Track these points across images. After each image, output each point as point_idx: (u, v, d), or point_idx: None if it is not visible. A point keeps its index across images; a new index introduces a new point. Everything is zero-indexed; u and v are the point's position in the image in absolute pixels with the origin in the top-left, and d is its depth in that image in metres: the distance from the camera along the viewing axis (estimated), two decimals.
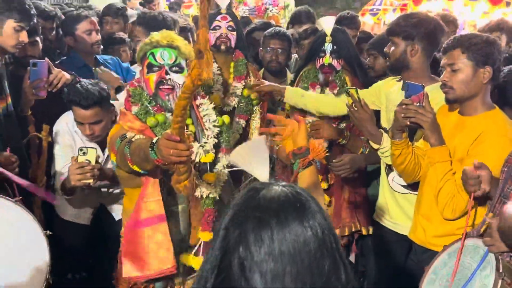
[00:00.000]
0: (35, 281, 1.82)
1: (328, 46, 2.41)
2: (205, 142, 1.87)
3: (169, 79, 1.75)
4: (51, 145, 2.34)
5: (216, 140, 1.89)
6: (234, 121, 2.55)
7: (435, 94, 1.97)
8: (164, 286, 1.91)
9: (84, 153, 2.02)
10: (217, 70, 2.53)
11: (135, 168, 1.61)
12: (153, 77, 1.77)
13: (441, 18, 2.59)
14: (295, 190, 0.93)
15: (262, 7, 7.44)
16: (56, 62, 2.62)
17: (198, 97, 1.93)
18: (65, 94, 2.22)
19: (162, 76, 1.76)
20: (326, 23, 2.49)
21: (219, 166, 1.91)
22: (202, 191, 1.84)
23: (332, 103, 2.43)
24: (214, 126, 1.89)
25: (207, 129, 1.89)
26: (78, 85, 2.19)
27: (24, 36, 2.29)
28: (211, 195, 1.87)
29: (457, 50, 1.84)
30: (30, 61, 2.33)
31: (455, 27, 3.66)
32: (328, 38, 2.41)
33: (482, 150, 1.80)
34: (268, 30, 3.09)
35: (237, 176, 2.11)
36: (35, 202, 2.31)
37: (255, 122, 2.64)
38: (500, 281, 1.54)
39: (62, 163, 2.26)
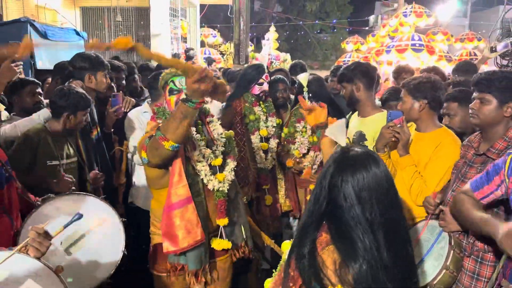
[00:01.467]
0: (116, 257, 2.19)
1: (305, 94, 3.14)
2: (215, 150, 2.32)
3: None
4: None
5: (223, 149, 2.37)
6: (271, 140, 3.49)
7: (378, 121, 2.67)
8: (196, 267, 2.21)
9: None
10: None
11: (169, 144, 1.90)
12: (174, 98, 2.21)
13: (400, 68, 3.98)
14: (366, 149, 1.43)
15: (269, 61, 9.88)
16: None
17: (208, 116, 2.41)
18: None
19: (180, 97, 2.12)
20: (302, 79, 3.29)
21: (227, 168, 2.35)
22: (214, 185, 2.27)
23: None
24: (221, 137, 2.38)
25: (215, 140, 2.37)
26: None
27: (109, 80, 3.26)
28: (221, 189, 2.29)
29: (404, 91, 2.46)
30: (112, 94, 3.32)
31: (411, 74, 4.43)
32: (305, 89, 3.21)
33: (441, 156, 2.33)
34: (274, 77, 3.82)
35: (237, 176, 2.69)
36: (117, 199, 3.14)
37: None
38: (452, 252, 1.97)
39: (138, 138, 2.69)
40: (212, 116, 2.43)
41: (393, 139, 2.35)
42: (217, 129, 2.37)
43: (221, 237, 2.28)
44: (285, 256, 1.60)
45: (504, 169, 1.79)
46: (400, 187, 2.32)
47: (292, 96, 3.93)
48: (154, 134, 1.94)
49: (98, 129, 3.22)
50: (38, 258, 1.64)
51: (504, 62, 4.24)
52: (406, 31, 8.78)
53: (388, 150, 2.42)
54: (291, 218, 3.81)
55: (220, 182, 2.26)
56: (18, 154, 2.55)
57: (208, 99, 3.11)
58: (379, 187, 1.37)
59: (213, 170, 2.27)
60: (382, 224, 1.35)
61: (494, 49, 3.79)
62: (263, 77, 3.46)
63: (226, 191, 2.28)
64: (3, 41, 5.48)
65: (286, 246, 1.78)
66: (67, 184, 2.52)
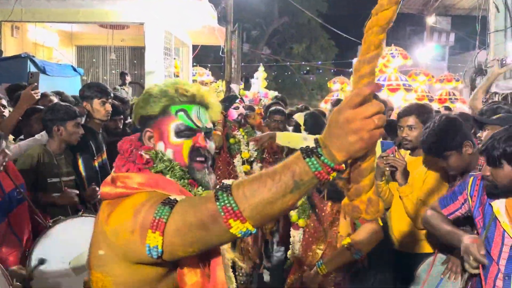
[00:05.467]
0: None
1: (304, 132, 3.40)
2: (241, 158, 2.73)
3: (206, 149, 1.29)
4: None
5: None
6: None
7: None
8: None
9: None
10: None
11: (241, 228, 0.97)
12: (188, 143, 1.27)
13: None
14: None
15: (258, 98, 10.27)
16: None
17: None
18: None
19: (199, 143, 1.27)
20: (298, 117, 3.61)
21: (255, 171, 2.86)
22: None
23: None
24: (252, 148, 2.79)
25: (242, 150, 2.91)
26: None
27: (108, 107, 3.19)
28: None
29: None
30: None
31: (391, 110, 5.11)
32: (303, 127, 3.48)
33: (430, 173, 2.55)
34: (272, 108, 4.35)
35: None
36: None
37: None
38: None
39: None
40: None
41: (387, 168, 2.45)
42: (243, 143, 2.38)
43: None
44: None
45: (466, 190, 2.10)
46: (399, 212, 2.60)
47: (290, 128, 4.14)
48: (172, 201, 1.08)
49: (104, 157, 3.28)
50: None
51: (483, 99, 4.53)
52: (389, 72, 9.28)
53: (386, 178, 2.56)
54: (275, 245, 3.92)
55: None
56: (20, 173, 2.63)
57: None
58: None
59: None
60: None
61: (504, 62, 3.66)
62: (237, 101, 3.73)
63: None
64: (5, 74, 5.78)
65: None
66: (70, 198, 2.63)
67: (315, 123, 3.50)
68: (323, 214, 2.47)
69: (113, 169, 1.30)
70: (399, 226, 2.69)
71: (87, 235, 2.18)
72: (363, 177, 0.96)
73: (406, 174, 2.49)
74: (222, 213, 0.96)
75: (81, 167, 3.08)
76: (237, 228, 0.96)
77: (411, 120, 2.61)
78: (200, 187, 1.29)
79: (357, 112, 0.87)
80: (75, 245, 2.21)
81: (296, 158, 0.93)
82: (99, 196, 2.94)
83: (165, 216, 1.04)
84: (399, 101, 8.29)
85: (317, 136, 0.94)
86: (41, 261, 2.13)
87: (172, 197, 1.09)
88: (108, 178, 1.27)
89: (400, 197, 2.55)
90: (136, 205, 1.12)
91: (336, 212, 2.42)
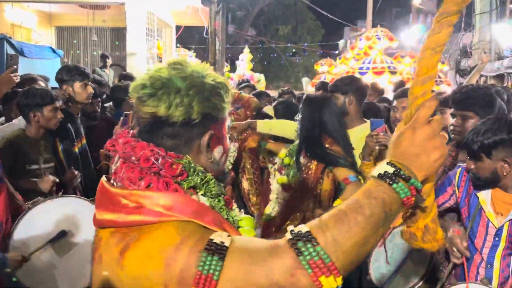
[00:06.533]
0: None
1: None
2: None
3: None
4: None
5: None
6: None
7: (363, 131, 2.68)
8: None
9: None
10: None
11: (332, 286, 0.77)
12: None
13: (371, 86, 4.31)
14: None
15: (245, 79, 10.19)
16: None
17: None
18: None
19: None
20: (269, 111, 3.72)
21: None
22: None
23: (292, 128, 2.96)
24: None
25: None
26: None
27: (90, 89, 3.18)
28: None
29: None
30: (124, 113, 3.06)
31: (379, 92, 5.28)
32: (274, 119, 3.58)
33: None
34: (254, 92, 4.56)
35: None
36: None
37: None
38: (433, 256, 2.13)
39: None
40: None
41: (377, 147, 2.42)
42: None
43: None
44: None
45: (454, 181, 2.11)
46: None
47: None
48: (216, 246, 0.82)
49: (84, 142, 3.24)
50: None
51: (463, 80, 4.58)
52: (373, 54, 9.24)
53: (373, 158, 2.51)
54: None
55: None
56: None
57: None
58: None
59: None
60: None
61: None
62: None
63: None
64: None
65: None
66: (50, 182, 2.58)
67: (287, 111, 3.47)
68: (310, 173, 2.59)
69: (115, 182, 0.96)
70: None
71: (68, 214, 2.18)
72: (421, 202, 0.89)
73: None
74: (310, 270, 0.74)
75: (61, 153, 3.00)
76: (329, 287, 0.75)
77: (407, 102, 2.58)
78: (236, 209, 1.07)
79: (434, 128, 0.85)
80: (56, 225, 2.19)
81: (377, 185, 0.81)
82: (79, 180, 2.91)
83: (216, 272, 0.77)
84: (384, 84, 8.27)
85: (386, 160, 0.86)
86: (62, 234, 2.11)
87: (216, 239, 0.81)
88: (106, 195, 0.94)
89: None
90: (167, 248, 0.82)
91: (321, 172, 2.56)
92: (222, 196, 1.00)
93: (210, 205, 0.95)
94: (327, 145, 2.59)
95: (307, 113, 2.67)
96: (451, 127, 2.33)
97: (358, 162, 2.59)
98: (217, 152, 1.04)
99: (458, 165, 2.18)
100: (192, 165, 0.97)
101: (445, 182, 2.16)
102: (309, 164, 2.66)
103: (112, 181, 0.97)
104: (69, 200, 2.35)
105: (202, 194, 0.95)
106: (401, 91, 2.73)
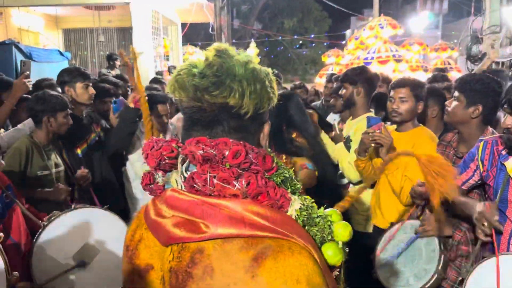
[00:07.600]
0: None
1: None
2: None
3: None
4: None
5: None
6: None
7: (362, 122, 2.74)
8: None
9: None
10: None
11: None
12: None
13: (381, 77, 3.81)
14: None
15: None
16: None
17: None
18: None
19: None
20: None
21: None
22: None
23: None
24: None
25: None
26: None
27: (92, 90, 3.16)
28: None
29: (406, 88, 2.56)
30: (112, 100, 3.36)
31: (388, 82, 4.73)
32: None
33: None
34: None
35: None
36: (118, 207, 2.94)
37: None
38: (442, 256, 2.08)
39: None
40: None
41: (372, 144, 2.41)
42: None
43: None
44: None
45: (477, 155, 2.04)
46: (385, 191, 2.58)
47: None
48: None
49: (94, 135, 3.23)
50: None
51: (474, 67, 4.49)
52: (378, 43, 9.07)
53: (369, 154, 2.51)
54: None
55: None
56: (8, 168, 2.54)
57: None
58: None
59: None
60: None
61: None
62: None
63: None
64: None
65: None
66: (62, 193, 2.57)
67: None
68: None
69: (198, 188, 0.85)
70: (387, 203, 2.64)
71: (83, 228, 2.16)
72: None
73: (391, 149, 2.43)
74: None
75: (65, 156, 2.99)
76: None
77: (404, 92, 2.54)
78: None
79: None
80: (74, 240, 2.16)
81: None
82: (90, 179, 2.88)
83: None
84: (390, 73, 7.98)
85: None
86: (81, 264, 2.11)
87: None
88: (200, 207, 0.83)
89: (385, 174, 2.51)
90: (314, 284, 0.79)
91: (291, 165, 2.55)
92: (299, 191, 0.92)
93: (302, 204, 0.88)
94: (294, 136, 2.58)
95: (274, 110, 2.61)
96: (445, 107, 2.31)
97: (338, 152, 2.64)
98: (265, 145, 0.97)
99: (480, 138, 2.11)
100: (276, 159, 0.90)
101: (467, 159, 2.10)
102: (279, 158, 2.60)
103: (188, 188, 0.87)
104: (83, 211, 2.30)
105: (290, 191, 0.89)
106: (399, 81, 2.64)
